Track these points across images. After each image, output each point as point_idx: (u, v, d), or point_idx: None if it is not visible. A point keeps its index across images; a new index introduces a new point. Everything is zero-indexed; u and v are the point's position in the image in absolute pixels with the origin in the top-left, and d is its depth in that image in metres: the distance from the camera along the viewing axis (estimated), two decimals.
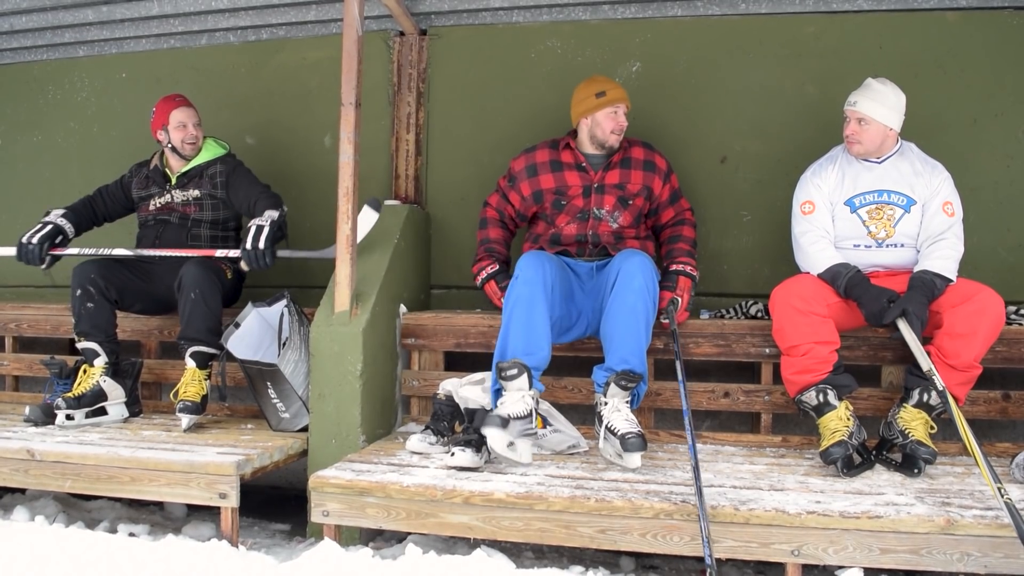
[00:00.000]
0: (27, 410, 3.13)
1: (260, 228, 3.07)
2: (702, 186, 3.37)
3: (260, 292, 3.35)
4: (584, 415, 3.06)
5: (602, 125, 2.98)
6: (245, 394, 3.28)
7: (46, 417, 3.10)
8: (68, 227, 3.32)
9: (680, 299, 2.92)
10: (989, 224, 3.19)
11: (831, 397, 2.57)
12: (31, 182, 4.22)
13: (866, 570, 2.10)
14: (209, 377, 3.15)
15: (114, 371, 3.20)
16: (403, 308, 3.27)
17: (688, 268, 2.98)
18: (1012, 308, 2.93)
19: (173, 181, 3.39)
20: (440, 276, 3.69)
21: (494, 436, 2.46)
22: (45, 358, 3.33)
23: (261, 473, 2.71)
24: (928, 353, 2.51)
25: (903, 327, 2.55)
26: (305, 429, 3.01)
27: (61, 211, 3.34)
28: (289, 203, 3.39)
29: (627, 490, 2.32)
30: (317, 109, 3.78)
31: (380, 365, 3.06)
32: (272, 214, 3.13)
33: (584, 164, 3.04)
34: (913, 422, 2.55)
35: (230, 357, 3.04)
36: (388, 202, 3.54)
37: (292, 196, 3.60)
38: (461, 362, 3.27)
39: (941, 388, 2.42)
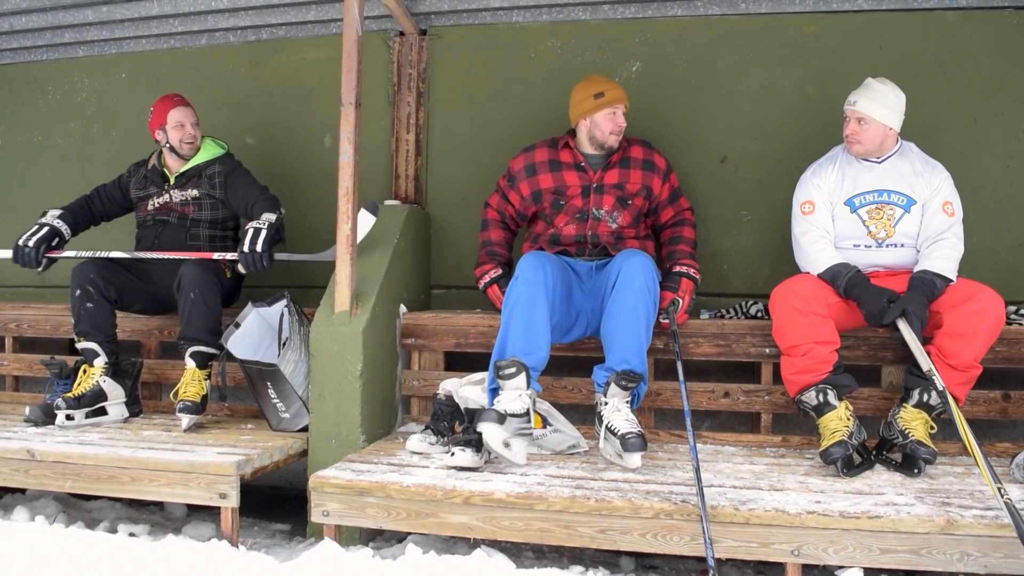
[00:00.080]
0: (27, 410, 3.13)
1: (258, 231, 3.07)
2: (702, 186, 3.37)
3: (260, 292, 3.35)
4: (584, 415, 3.06)
5: (601, 126, 2.98)
6: (245, 394, 3.28)
7: (46, 417, 3.10)
8: (65, 229, 3.31)
9: (681, 300, 2.92)
10: (989, 224, 3.19)
11: (831, 397, 2.57)
12: (31, 182, 4.22)
13: (866, 570, 2.10)
14: (209, 377, 3.15)
15: (114, 371, 3.20)
16: (403, 308, 3.27)
17: (691, 271, 2.98)
18: (1012, 308, 2.93)
19: (171, 181, 3.39)
20: (440, 276, 3.69)
21: (490, 432, 2.45)
22: (45, 358, 3.33)
23: (261, 473, 2.71)
24: (928, 353, 2.51)
25: (903, 327, 2.55)
26: (305, 429, 3.01)
27: (58, 212, 3.34)
28: (289, 203, 3.39)
29: (627, 490, 2.32)
30: (317, 109, 3.78)
31: (380, 365, 3.06)
32: (269, 217, 3.13)
33: (583, 164, 3.04)
34: (913, 422, 2.55)
35: (230, 357, 3.04)
36: (388, 202, 3.55)
37: (292, 196, 3.60)
38: (461, 362, 3.27)
39: (941, 388, 2.42)
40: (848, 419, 2.56)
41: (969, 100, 3.24)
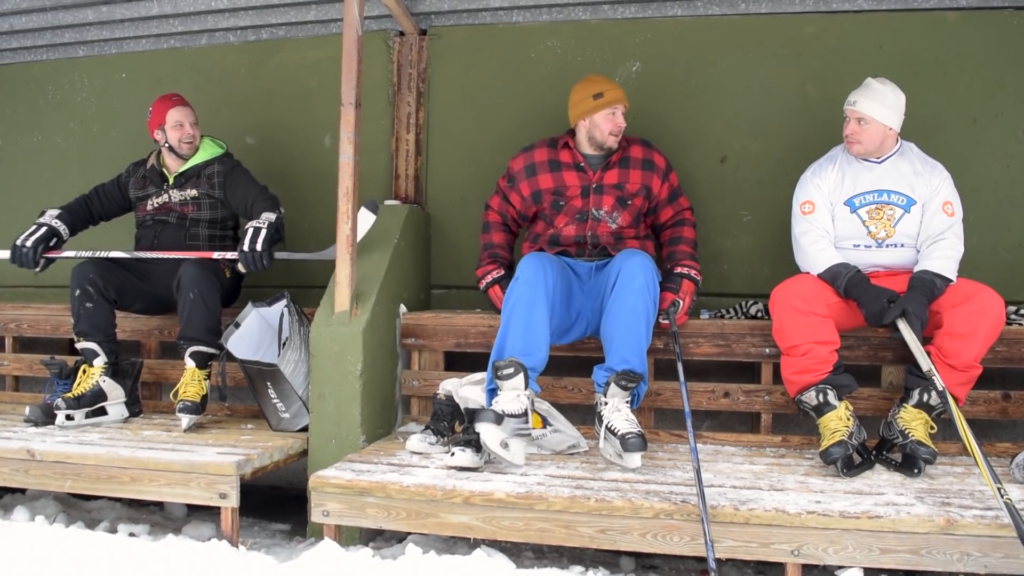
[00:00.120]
0: (27, 410, 3.13)
1: (257, 230, 3.07)
2: (702, 186, 3.37)
3: (260, 292, 3.35)
4: (584, 415, 3.06)
5: (600, 127, 2.97)
6: (245, 394, 3.28)
7: (46, 417, 3.10)
8: (63, 229, 3.30)
9: (682, 302, 2.92)
10: (989, 224, 3.19)
11: (831, 397, 2.57)
12: (31, 182, 4.22)
13: (866, 570, 2.10)
14: (209, 377, 3.15)
15: (114, 371, 3.20)
16: (403, 308, 3.27)
17: (692, 272, 2.97)
18: (1012, 308, 2.93)
19: (170, 181, 3.39)
20: (440, 276, 3.69)
21: (487, 432, 2.44)
22: (45, 358, 3.33)
23: (261, 473, 2.71)
24: (928, 353, 2.51)
25: (903, 327, 2.55)
26: (305, 429, 3.01)
27: (56, 212, 3.34)
28: (288, 203, 3.39)
29: (627, 490, 2.32)
30: (317, 109, 3.78)
31: (380, 365, 3.06)
32: (269, 216, 3.13)
33: (582, 164, 3.04)
34: (913, 422, 2.55)
35: (230, 357, 3.04)
36: (388, 202, 3.55)
37: (292, 196, 3.60)
38: (461, 362, 3.27)
39: (941, 388, 2.42)
40: (848, 419, 2.56)
41: (969, 100, 3.24)
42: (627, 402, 2.62)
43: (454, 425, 2.84)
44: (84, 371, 3.17)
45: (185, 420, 3.03)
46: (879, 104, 2.74)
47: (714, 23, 3.45)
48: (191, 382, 3.07)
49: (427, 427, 2.86)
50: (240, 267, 3.11)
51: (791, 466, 2.63)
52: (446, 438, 2.80)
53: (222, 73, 3.93)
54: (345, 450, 2.85)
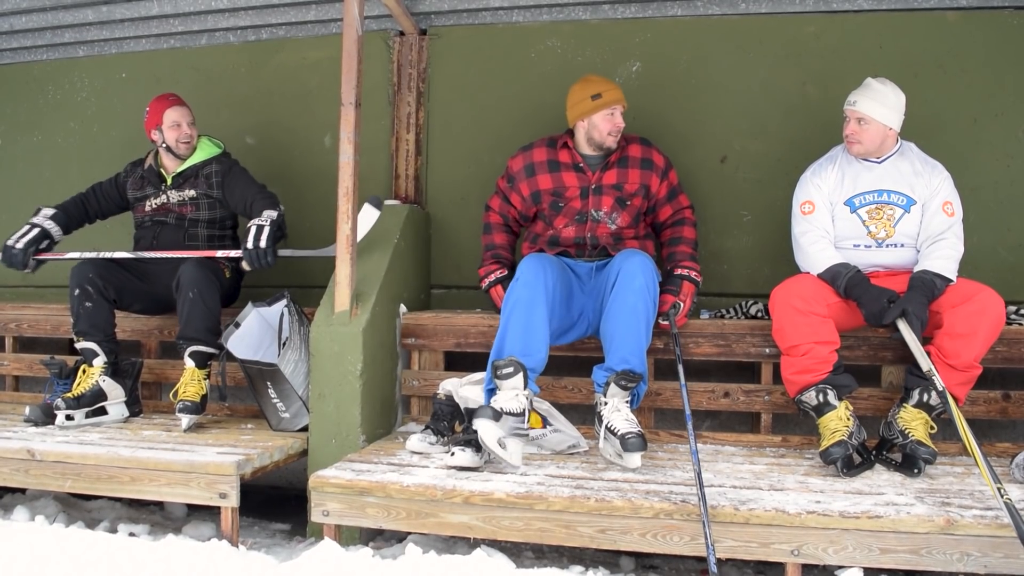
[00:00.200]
0: (27, 410, 3.13)
1: (260, 228, 3.07)
2: (702, 186, 3.37)
3: (260, 292, 3.35)
4: (584, 415, 3.06)
5: (599, 127, 2.97)
6: (245, 394, 3.28)
7: (46, 417, 3.10)
8: (55, 230, 3.30)
9: (682, 304, 2.91)
10: (989, 224, 3.19)
11: (831, 397, 2.57)
12: (31, 182, 4.22)
13: (866, 570, 2.10)
14: (209, 377, 3.15)
15: (113, 371, 3.20)
16: (403, 308, 3.27)
17: (692, 273, 2.97)
18: (1012, 308, 2.93)
19: (168, 181, 3.38)
20: (440, 276, 3.69)
21: (485, 428, 2.44)
22: (45, 358, 3.33)
23: (261, 473, 2.71)
24: (928, 353, 2.51)
25: (903, 327, 2.55)
26: (305, 429, 3.01)
27: (51, 211, 3.33)
28: (289, 203, 3.39)
29: (627, 490, 2.32)
30: (317, 109, 3.78)
31: (380, 365, 3.06)
32: (271, 214, 3.13)
33: (581, 165, 3.03)
34: (913, 422, 2.55)
35: (230, 357, 3.04)
36: (388, 202, 3.54)
37: (292, 196, 3.59)
38: (461, 362, 3.27)
39: (941, 388, 2.42)
40: (848, 419, 2.55)
41: (969, 100, 3.24)
42: (627, 402, 2.62)
43: (454, 425, 2.84)
44: (84, 371, 3.17)
45: (185, 420, 3.03)
46: (879, 104, 2.74)
47: (714, 23, 3.45)
48: (191, 382, 3.07)
49: (427, 427, 2.86)
50: (245, 265, 3.10)
51: (791, 466, 2.63)
52: (446, 438, 2.80)
53: (222, 73, 3.94)
54: (345, 450, 2.85)
